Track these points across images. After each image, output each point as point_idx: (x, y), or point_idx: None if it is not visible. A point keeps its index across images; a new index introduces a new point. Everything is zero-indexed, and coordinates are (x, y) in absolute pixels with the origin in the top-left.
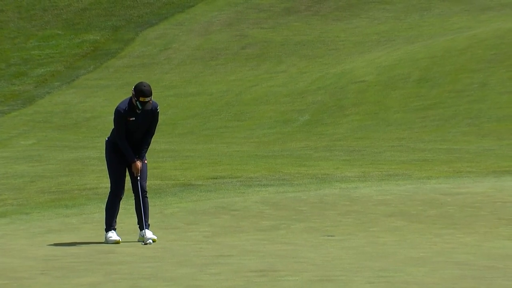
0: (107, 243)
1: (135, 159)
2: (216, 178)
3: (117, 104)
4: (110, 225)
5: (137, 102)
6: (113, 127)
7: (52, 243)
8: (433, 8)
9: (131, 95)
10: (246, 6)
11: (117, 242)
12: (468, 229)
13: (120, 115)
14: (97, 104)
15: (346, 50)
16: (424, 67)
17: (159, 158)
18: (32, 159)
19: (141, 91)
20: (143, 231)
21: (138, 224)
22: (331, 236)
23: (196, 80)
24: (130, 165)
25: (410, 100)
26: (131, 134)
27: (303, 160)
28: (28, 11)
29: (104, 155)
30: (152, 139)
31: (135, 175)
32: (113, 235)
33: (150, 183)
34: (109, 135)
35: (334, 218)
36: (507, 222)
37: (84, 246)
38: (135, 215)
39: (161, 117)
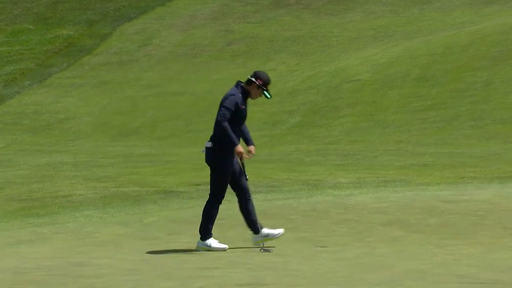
0: (213, 250)
1: (239, 143)
2: (200, 185)
3: (226, 93)
4: (209, 231)
5: (264, 92)
6: (215, 132)
7: (22, 255)
8: (433, 2)
9: (243, 85)
10: None
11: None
12: (471, 239)
13: (237, 103)
14: (71, 105)
15: (340, 47)
16: (424, 64)
17: (138, 163)
18: (1, 164)
19: (269, 79)
20: (262, 230)
21: (249, 227)
22: (324, 247)
23: (178, 78)
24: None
25: (409, 100)
26: (238, 123)
27: (294, 165)
28: None
29: (213, 160)
30: (130, 143)
31: (249, 157)
32: (215, 242)
33: (128, 189)
34: (210, 140)
35: (327, 227)
36: None
37: (57, 258)
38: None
39: (140, 119)
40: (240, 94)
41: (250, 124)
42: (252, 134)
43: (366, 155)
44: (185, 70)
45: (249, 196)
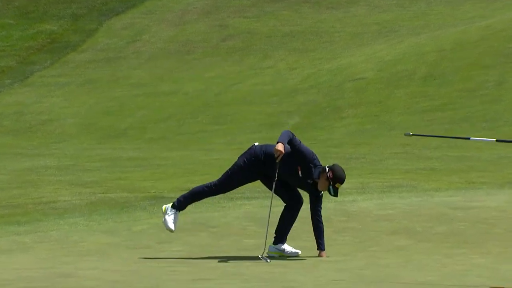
0: (163, 222)
1: (283, 142)
2: None
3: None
4: (182, 205)
5: (330, 187)
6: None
7: (2, 266)
8: None
9: (321, 169)
10: None
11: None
12: (482, 249)
13: (304, 153)
14: (55, 105)
15: (343, 43)
16: (432, 62)
17: (126, 167)
18: None
19: (342, 178)
20: (282, 245)
21: (275, 233)
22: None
23: (169, 77)
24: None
25: (416, 100)
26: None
27: None
28: None
29: (241, 156)
30: (118, 146)
31: (276, 155)
32: (173, 220)
33: (116, 195)
34: (260, 144)
35: (328, 236)
36: None
37: (39, 269)
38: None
39: (128, 120)
40: (312, 166)
41: (247, 126)
42: (249, 137)
43: (370, 158)
44: (177, 67)
45: (296, 209)
